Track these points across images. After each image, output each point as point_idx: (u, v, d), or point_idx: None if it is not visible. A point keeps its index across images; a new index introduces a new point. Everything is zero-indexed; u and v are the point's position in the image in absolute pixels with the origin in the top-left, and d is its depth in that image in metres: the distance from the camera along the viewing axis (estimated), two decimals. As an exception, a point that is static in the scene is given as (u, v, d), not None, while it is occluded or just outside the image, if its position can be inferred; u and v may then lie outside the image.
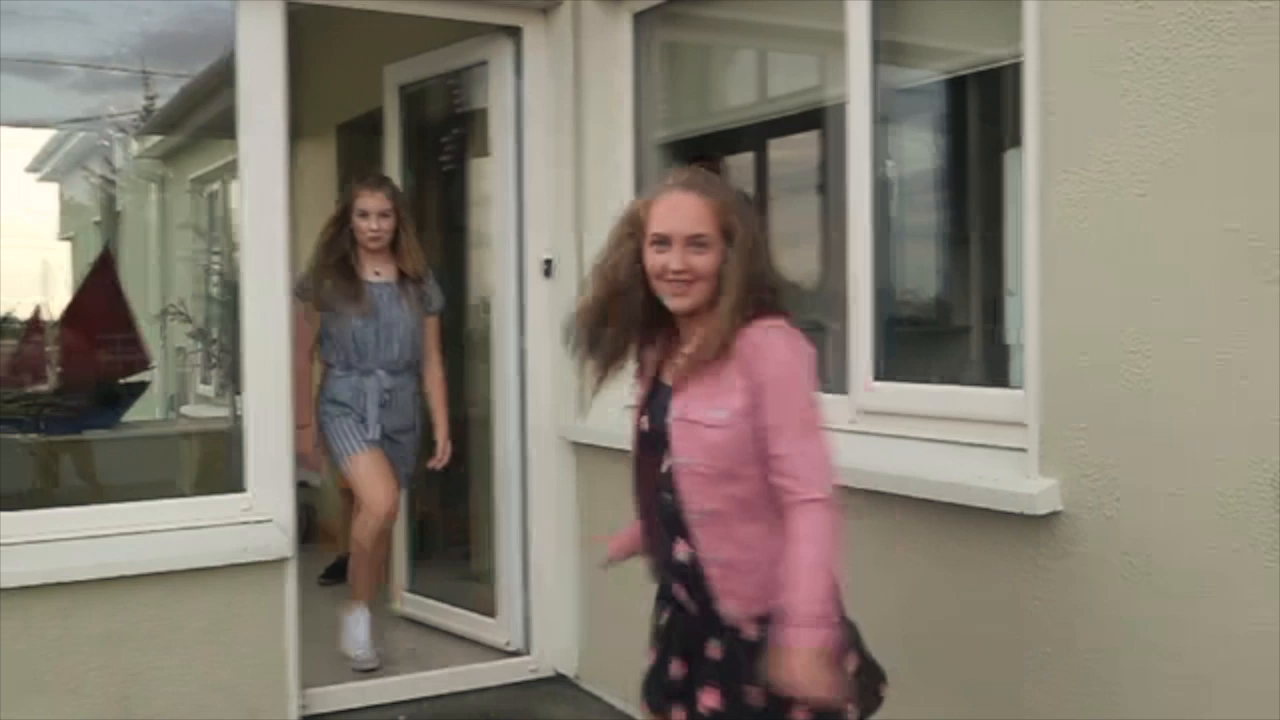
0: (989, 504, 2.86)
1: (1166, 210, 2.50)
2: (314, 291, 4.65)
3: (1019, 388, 2.96)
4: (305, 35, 5.42)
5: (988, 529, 2.89)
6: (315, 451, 4.72)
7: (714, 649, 2.34)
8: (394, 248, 4.72)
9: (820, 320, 4.35)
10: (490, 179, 4.94)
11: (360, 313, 4.61)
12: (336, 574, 5.65)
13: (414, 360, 4.79)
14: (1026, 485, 2.78)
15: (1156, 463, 2.53)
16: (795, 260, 5.01)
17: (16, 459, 5.65)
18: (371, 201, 4.65)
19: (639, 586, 4.28)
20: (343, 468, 4.72)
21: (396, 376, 4.70)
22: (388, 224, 4.66)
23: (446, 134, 5.56)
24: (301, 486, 4.47)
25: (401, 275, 4.74)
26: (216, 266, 7.50)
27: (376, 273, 4.70)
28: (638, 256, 2.38)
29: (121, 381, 6.75)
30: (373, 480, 4.61)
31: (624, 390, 4.52)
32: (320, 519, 6.56)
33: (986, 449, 3.03)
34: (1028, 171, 2.80)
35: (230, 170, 6.87)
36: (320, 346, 4.74)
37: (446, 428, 4.83)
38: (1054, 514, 2.73)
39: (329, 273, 4.66)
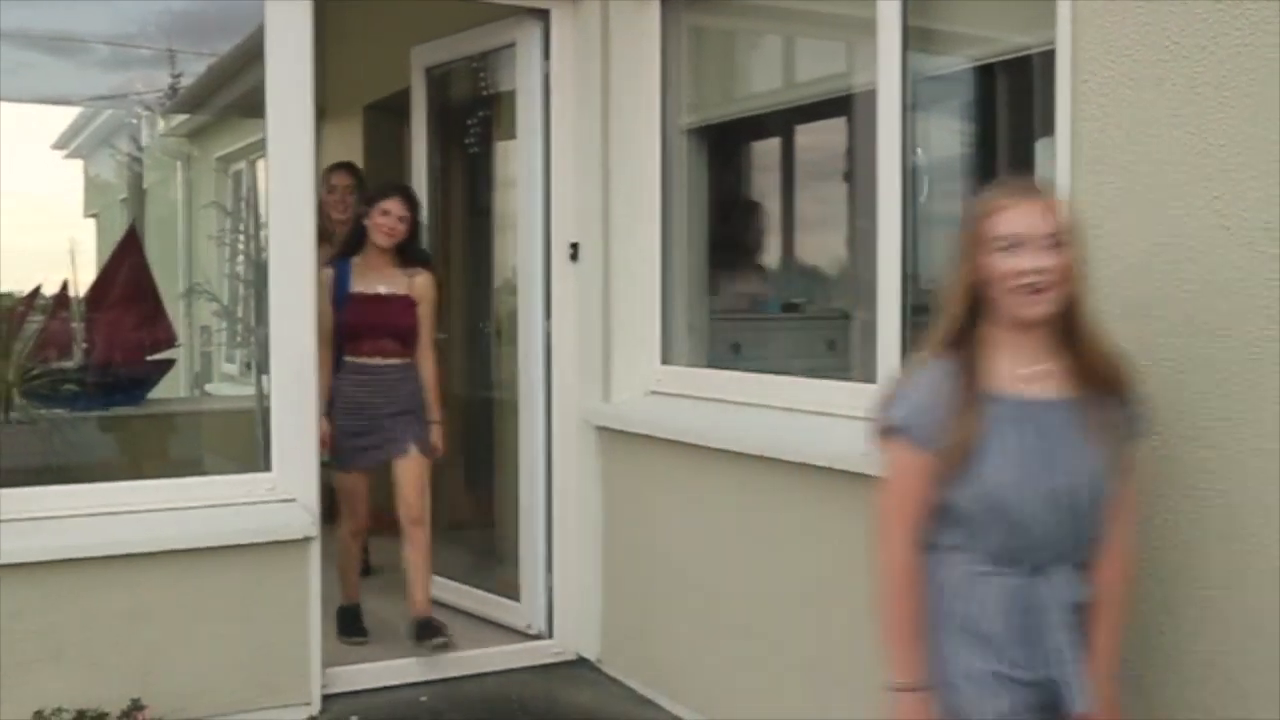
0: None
1: (1201, 202, 2.48)
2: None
3: (1047, 378, 2.93)
4: (333, 16, 5.43)
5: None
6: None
7: None
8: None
9: (847, 308, 4.34)
10: (516, 162, 4.94)
11: None
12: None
13: None
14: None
15: (1193, 462, 2.51)
16: (822, 247, 5.00)
17: (42, 435, 5.68)
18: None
19: (661, 571, 4.30)
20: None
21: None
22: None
23: (473, 116, 5.55)
24: (324, 466, 4.48)
25: None
26: (242, 246, 7.51)
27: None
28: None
29: (147, 359, 6.78)
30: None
31: (643, 372, 4.57)
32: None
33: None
34: (1059, 160, 2.78)
35: (256, 149, 6.91)
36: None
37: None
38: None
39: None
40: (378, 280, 4.64)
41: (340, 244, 4.87)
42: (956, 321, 2.22)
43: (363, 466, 4.73)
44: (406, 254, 4.68)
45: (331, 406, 4.61)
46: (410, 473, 4.66)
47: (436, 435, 4.75)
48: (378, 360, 4.64)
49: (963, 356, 2.20)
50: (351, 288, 4.63)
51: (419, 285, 4.69)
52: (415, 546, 4.67)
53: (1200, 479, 2.48)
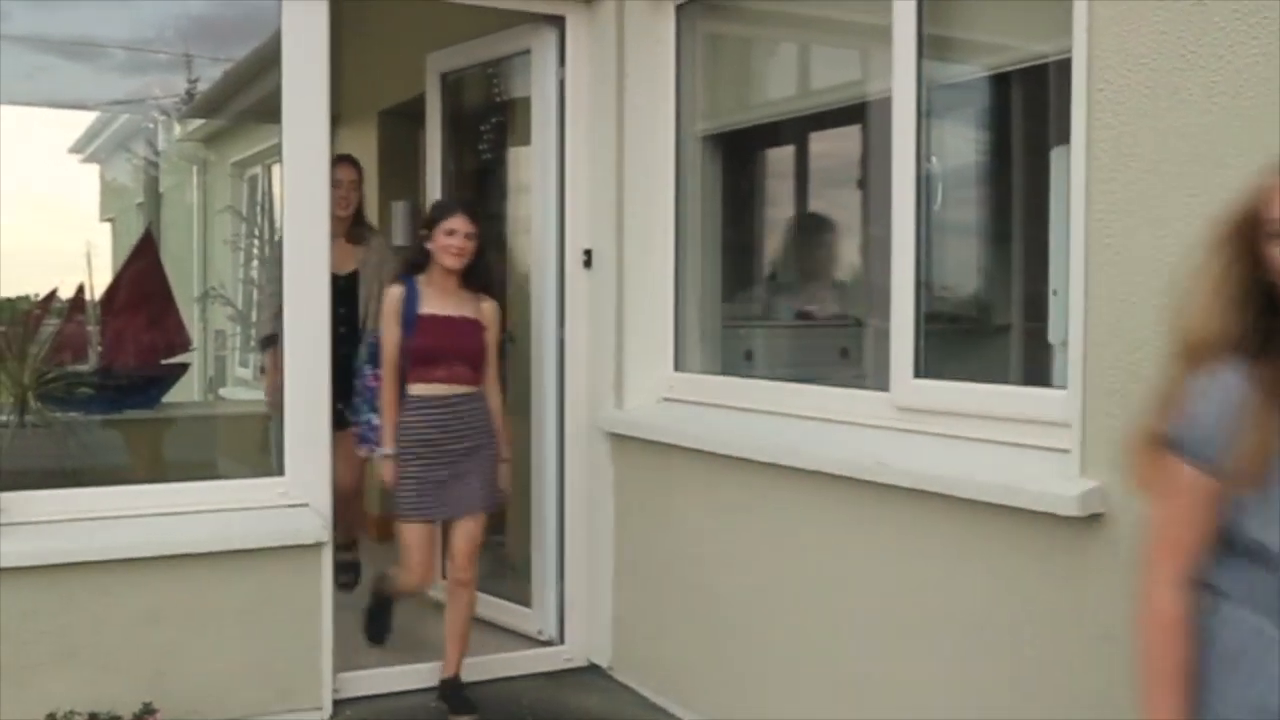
0: (1029, 505, 2.83)
1: (1214, 211, 2.46)
2: None
3: (1062, 388, 2.93)
4: (349, 22, 5.45)
5: (1027, 530, 2.87)
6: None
7: None
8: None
9: (861, 316, 4.34)
10: (531, 168, 4.94)
11: None
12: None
13: None
14: (1068, 487, 2.75)
15: (1201, 467, 2.49)
16: (837, 254, 4.99)
17: (57, 438, 5.70)
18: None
19: (672, 578, 4.30)
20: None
21: None
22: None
23: (487, 122, 5.55)
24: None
25: None
26: (256, 250, 7.54)
27: None
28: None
29: (162, 363, 6.81)
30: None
31: (657, 379, 4.57)
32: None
33: (1027, 449, 3.00)
34: (1074, 169, 2.77)
35: (271, 154, 6.93)
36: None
37: None
38: (1095, 516, 2.70)
39: None
40: (449, 303, 4.22)
41: (403, 264, 4.50)
42: (1237, 323, 1.84)
43: (433, 517, 4.31)
44: (471, 276, 4.26)
45: (397, 446, 4.21)
46: (469, 531, 4.27)
47: (505, 477, 4.41)
48: (451, 389, 4.19)
49: (1255, 361, 1.83)
50: (421, 308, 4.17)
51: (488, 311, 4.29)
52: (458, 608, 4.34)
53: None
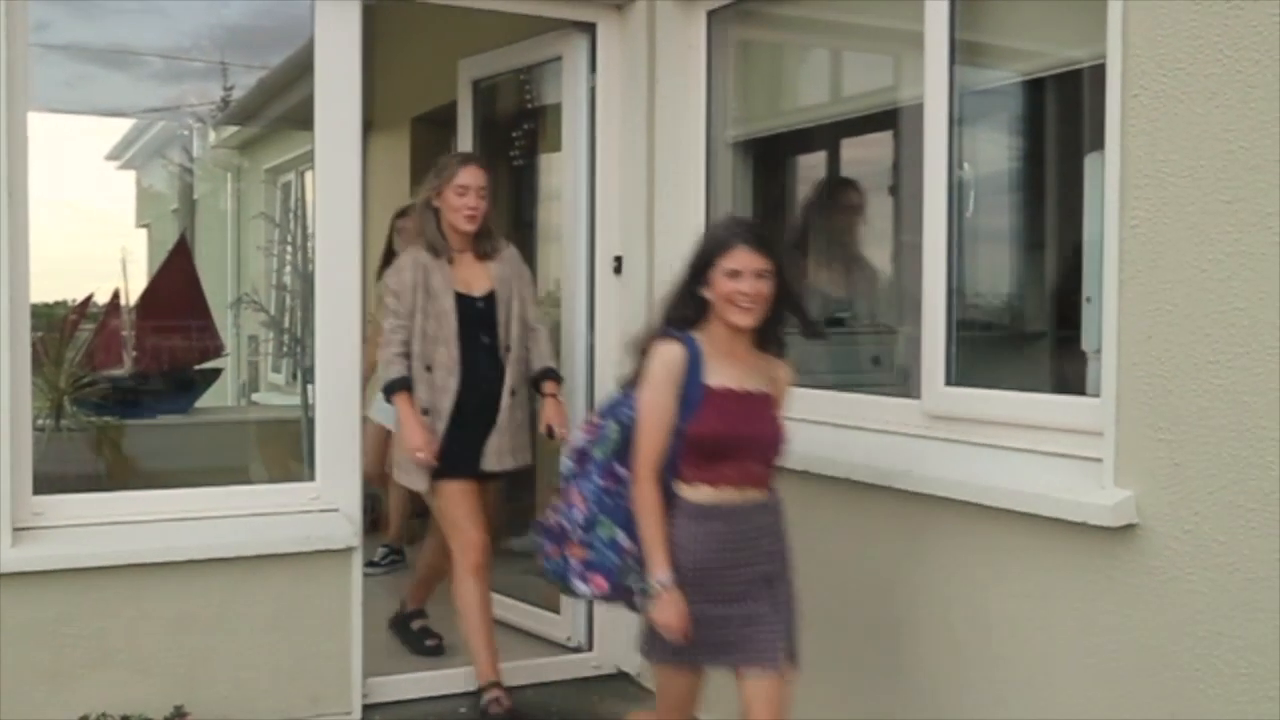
0: (1061, 514, 2.81)
1: (1255, 218, 2.44)
2: None
3: (1095, 396, 2.91)
4: (382, 29, 5.48)
5: (1059, 540, 2.84)
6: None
7: None
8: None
9: (892, 323, 4.32)
10: (562, 174, 4.95)
11: None
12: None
13: None
14: (1101, 496, 2.73)
15: (1237, 475, 2.47)
16: (869, 261, 4.96)
17: (92, 442, 5.75)
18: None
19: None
20: None
21: None
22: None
23: (519, 129, 5.57)
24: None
25: None
26: (290, 256, 7.59)
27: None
28: None
29: (195, 368, 6.86)
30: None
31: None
32: (384, 509, 6.62)
33: (1060, 458, 2.97)
34: (1109, 176, 2.75)
35: (304, 161, 6.97)
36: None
37: None
38: (1129, 526, 2.68)
39: None
40: (739, 371, 2.99)
41: (669, 314, 3.07)
42: None
43: (706, 664, 3.08)
44: (767, 332, 3.04)
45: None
46: (769, 696, 3.00)
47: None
48: (743, 495, 2.97)
49: None
50: (707, 378, 2.95)
51: (783, 380, 3.11)
52: None
53: None
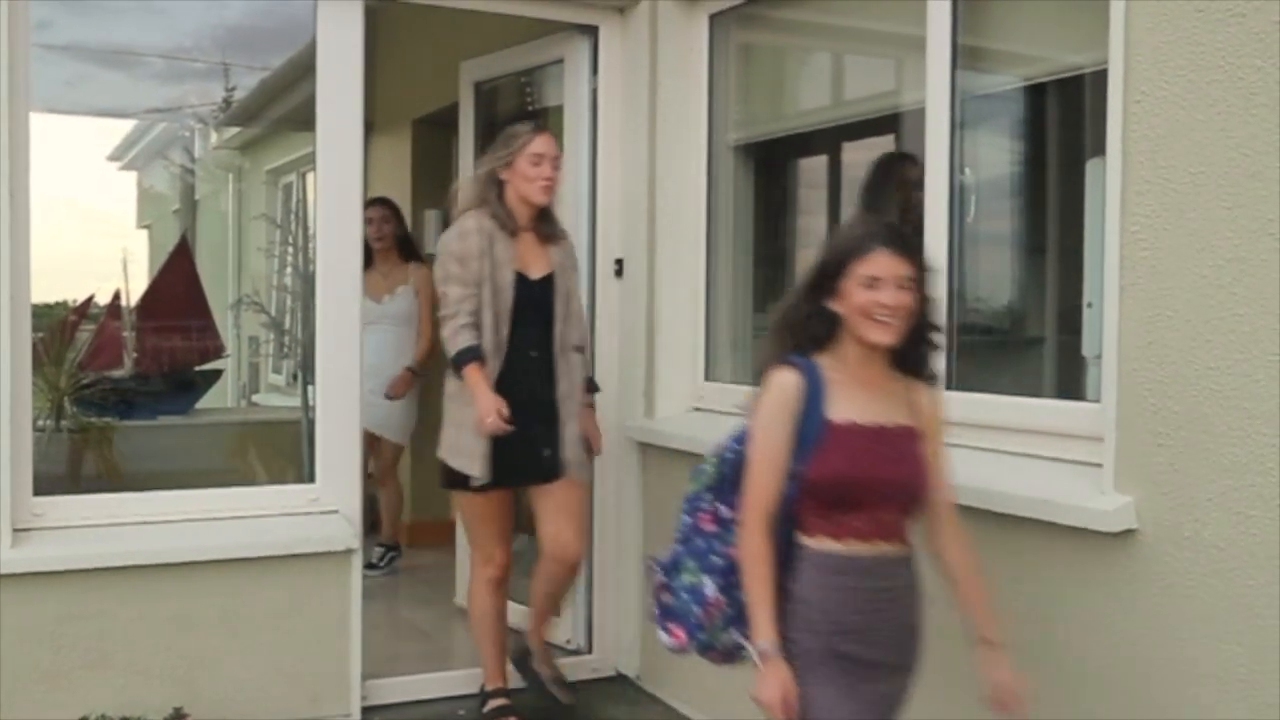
0: (1061, 519, 2.81)
1: (1254, 224, 2.44)
2: None
3: (1095, 401, 2.91)
4: (383, 30, 5.48)
5: (1059, 545, 2.84)
6: None
7: None
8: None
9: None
10: (563, 177, 4.94)
11: None
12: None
13: None
14: (1101, 501, 2.73)
15: (1237, 481, 2.47)
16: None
17: (92, 443, 5.75)
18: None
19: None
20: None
21: None
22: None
23: (520, 131, 5.57)
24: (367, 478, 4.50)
25: None
26: (290, 258, 7.58)
27: None
28: None
29: (195, 369, 6.86)
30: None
31: (687, 388, 4.55)
32: (379, 509, 6.62)
33: (1060, 463, 2.97)
34: (1110, 182, 2.75)
35: (306, 162, 6.98)
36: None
37: None
38: (1129, 532, 2.67)
39: None
40: (874, 400, 2.50)
41: (787, 332, 2.58)
42: None
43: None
44: (908, 351, 2.53)
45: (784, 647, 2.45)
46: None
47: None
48: (876, 548, 2.48)
49: None
50: (830, 411, 2.47)
51: (928, 409, 2.59)
52: None
53: None
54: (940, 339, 2.59)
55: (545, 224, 4.09)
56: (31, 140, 3.75)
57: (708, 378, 4.55)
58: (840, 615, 2.45)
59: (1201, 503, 2.54)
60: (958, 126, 3.42)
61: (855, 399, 2.48)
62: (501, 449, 3.90)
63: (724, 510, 2.61)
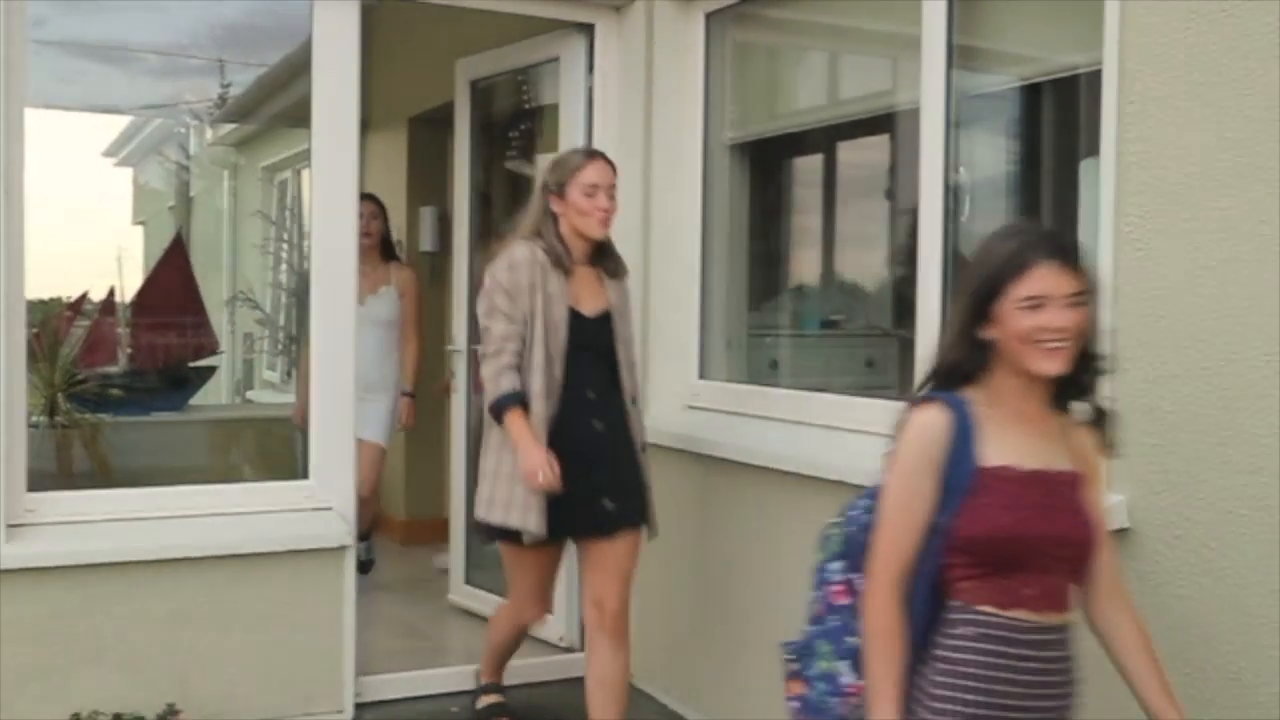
0: (1054, 518, 2.81)
1: (1249, 225, 2.44)
2: None
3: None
4: (380, 28, 5.48)
5: (1052, 543, 2.84)
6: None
7: None
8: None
9: (886, 326, 4.33)
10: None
11: None
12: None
13: None
14: (1093, 500, 2.73)
15: (1230, 480, 2.48)
16: (863, 264, 4.98)
17: (86, 439, 5.75)
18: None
19: (694, 587, 4.29)
20: None
21: None
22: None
23: (516, 129, 5.58)
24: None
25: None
26: (285, 255, 7.59)
27: None
28: None
29: (190, 365, 6.87)
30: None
31: (681, 386, 4.55)
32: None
33: (1053, 462, 2.97)
34: (1104, 181, 2.76)
35: (301, 159, 6.97)
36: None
37: None
38: (1121, 531, 2.68)
39: None
40: (1033, 440, 2.13)
41: (938, 366, 2.20)
42: None
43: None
44: (1070, 381, 2.14)
45: None
46: None
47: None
48: (1042, 618, 2.09)
49: None
50: (983, 455, 2.09)
51: (1089, 450, 2.21)
52: None
53: None
54: (1107, 364, 2.18)
55: (604, 258, 3.73)
56: (27, 136, 3.75)
57: (702, 376, 4.55)
58: (997, 696, 2.06)
59: (1193, 502, 2.55)
60: (952, 126, 3.42)
61: (1012, 439, 2.10)
62: (557, 499, 3.50)
63: (858, 581, 2.22)
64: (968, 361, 2.12)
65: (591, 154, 3.74)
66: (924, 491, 2.08)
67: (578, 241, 3.64)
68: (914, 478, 2.09)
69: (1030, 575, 2.07)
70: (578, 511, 3.55)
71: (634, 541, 3.69)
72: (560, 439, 3.51)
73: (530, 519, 3.48)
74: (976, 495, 2.06)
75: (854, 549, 2.25)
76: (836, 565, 2.30)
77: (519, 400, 3.49)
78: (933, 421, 2.09)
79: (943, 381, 2.15)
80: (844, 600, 2.25)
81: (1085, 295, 2.07)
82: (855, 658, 2.19)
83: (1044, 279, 2.04)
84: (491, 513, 3.56)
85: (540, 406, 3.51)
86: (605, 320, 3.67)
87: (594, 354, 3.62)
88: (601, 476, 3.59)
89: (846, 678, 2.23)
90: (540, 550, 3.63)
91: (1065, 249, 2.08)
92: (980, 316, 2.09)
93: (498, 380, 3.51)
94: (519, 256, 3.57)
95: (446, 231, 6.36)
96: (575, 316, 3.60)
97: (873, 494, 2.24)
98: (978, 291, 2.10)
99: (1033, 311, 2.04)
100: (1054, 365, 2.06)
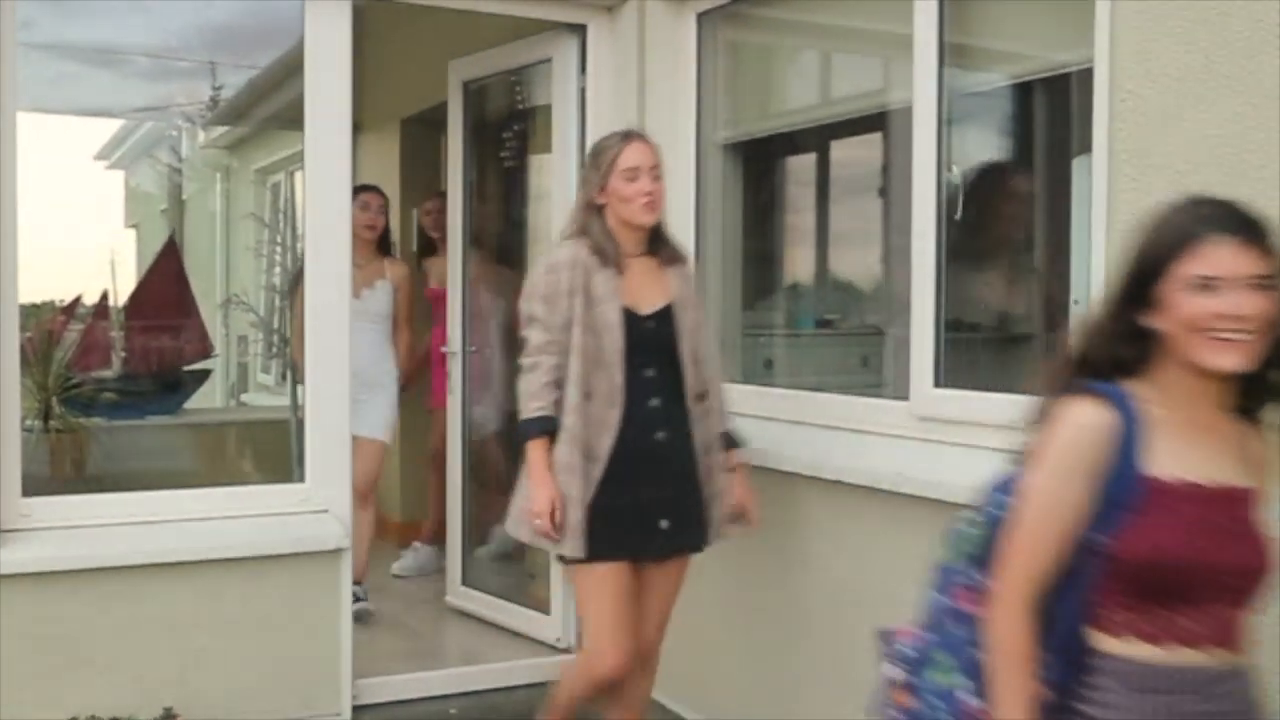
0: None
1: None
2: None
3: (1083, 398, 2.91)
4: (371, 29, 5.47)
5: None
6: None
7: None
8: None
9: (881, 324, 4.33)
10: (551, 176, 4.95)
11: None
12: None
13: None
14: (1088, 497, 2.73)
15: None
16: (857, 263, 4.99)
17: (80, 443, 5.74)
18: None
19: (690, 586, 4.27)
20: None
21: None
22: None
23: (509, 130, 5.58)
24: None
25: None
26: (279, 257, 7.58)
27: None
28: None
29: (184, 369, 6.86)
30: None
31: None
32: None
33: (1048, 459, 2.97)
34: (1096, 179, 2.76)
35: (294, 161, 6.97)
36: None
37: None
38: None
39: None
40: (1210, 450, 1.86)
41: (1088, 353, 1.94)
42: None
43: None
44: (1254, 379, 1.87)
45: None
46: None
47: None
48: (1213, 659, 1.83)
49: None
50: (1150, 463, 1.82)
51: (1263, 460, 1.93)
52: None
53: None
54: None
55: (659, 245, 3.41)
56: (18, 139, 3.74)
57: (697, 376, 4.55)
58: None
59: None
60: (945, 124, 3.43)
61: (1187, 448, 1.82)
62: (606, 514, 3.23)
63: (975, 588, 1.97)
64: (1124, 353, 1.84)
65: (628, 135, 3.41)
66: (1076, 501, 1.80)
67: (627, 233, 3.33)
68: (1065, 483, 1.81)
69: (1195, 607, 1.79)
70: (630, 529, 3.26)
71: (685, 566, 3.46)
72: (621, 452, 3.22)
73: (570, 541, 3.20)
74: (1144, 512, 1.78)
75: (992, 550, 1.93)
76: (967, 568, 2.00)
77: (542, 429, 3.22)
78: (1094, 421, 1.81)
79: (1090, 374, 1.87)
80: (970, 606, 1.96)
81: (1270, 282, 1.76)
82: (979, 676, 1.90)
83: (1218, 256, 1.75)
84: (520, 530, 3.34)
85: (574, 421, 3.22)
86: (666, 315, 3.33)
87: (656, 355, 3.30)
88: (660, 492, 3.29)
89: (967, 696, 1.93)
90: (611, 566, 3.25)
91: (1248, 223, 1.79)
92: (1140, 300, 1.83)
93: (528, 402, 3.26)
94: (559, 258, 3.31)
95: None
96: (631, 316, 3.28)
97: (1006, 488, 1.95)
98: (1137, 269, 1.84)
99: (1203, 294, 1.76)
100: (1230, 360, 1.76)
